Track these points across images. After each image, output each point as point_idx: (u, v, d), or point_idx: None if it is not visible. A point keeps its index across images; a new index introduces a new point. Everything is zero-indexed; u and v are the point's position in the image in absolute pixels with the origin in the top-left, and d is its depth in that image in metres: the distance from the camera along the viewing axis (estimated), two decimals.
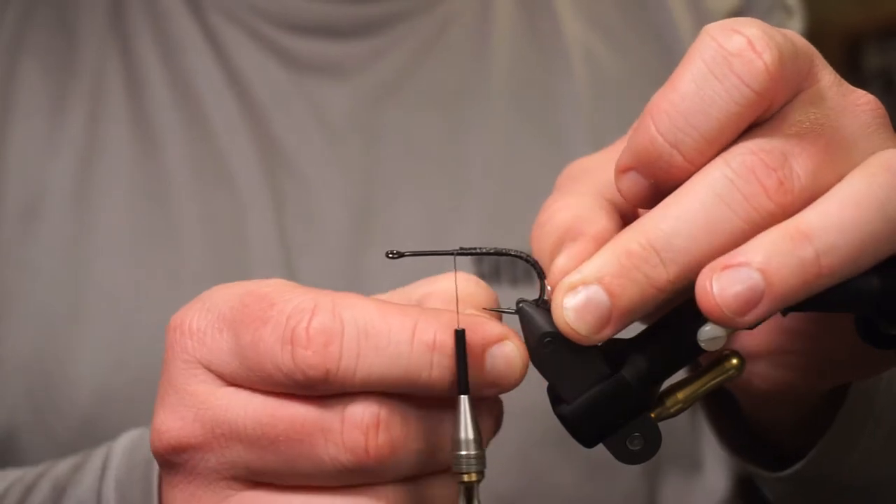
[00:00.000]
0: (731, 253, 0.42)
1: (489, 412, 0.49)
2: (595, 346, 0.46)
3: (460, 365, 0.46)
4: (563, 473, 0.83)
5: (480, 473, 0.46)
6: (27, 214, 0.83)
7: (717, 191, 0.43)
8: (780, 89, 0.44)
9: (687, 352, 0.45)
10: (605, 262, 0.44)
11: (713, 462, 0.90)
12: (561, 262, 0.47)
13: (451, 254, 0.48)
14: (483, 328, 0.47)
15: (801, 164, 0.43)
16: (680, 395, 0.46)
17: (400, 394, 0.46)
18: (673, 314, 0.46)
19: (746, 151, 0.43)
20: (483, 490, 0.47)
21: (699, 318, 0.44)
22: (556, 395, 0.46)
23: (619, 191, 0.46)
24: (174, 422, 0.48)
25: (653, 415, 0.46)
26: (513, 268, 0.85)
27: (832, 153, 0.44)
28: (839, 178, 0.44)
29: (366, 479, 0.46)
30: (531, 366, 0.47)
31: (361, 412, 0.45)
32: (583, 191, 0.51)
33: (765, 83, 0.43)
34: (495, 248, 0.48)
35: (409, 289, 0.52)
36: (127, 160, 0.84)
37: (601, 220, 0.48)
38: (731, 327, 0.43)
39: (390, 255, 0.48)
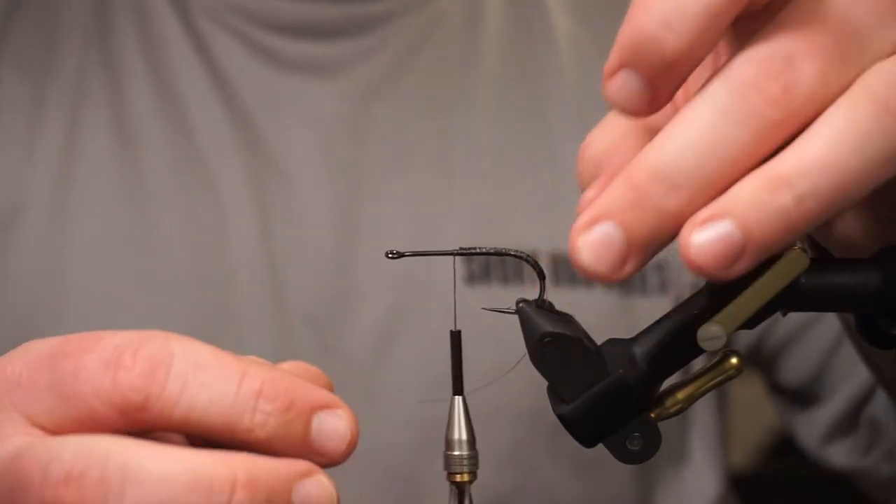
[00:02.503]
0: (710, 206, 0.40)
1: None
2: (595, 346, 0.46)
3: (454, 365, 0.47)
4: (554, 472, 0.84)
5: (472, 474, 0.46)
6: (5, 223, 0.82)
7: (719, 107, 0.41)
8: None
9: (687, 352, 0.45)
10: (614, 195, 0.42)
11: (702, 459, 0.90)
12: (587, 196, 0.45)
13: (451, 254, 0.47)
14: (312, 392, 0.44)
15: (808, 65, 0.41)
16: (680, 395, 0.46)
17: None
18: (673, 314, 0.46)
19: (746, 60, 0.41)
20: (474, 489, 0.47)
21: (699, 318, 0.44)
22: (556, 395, 0.46)
23: (610, 98, 0.43)
24: None
25: (652, 415, 0.46)
26: (503, 267, 0.85)
27: (843, 48, 0.41)
28: (854, 76, 0.41)
29: None
30: (529, 366, 0.47)
31: (56, 465, 0.41)
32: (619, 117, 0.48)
33: None
34: (495, 248, 0.48)
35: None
36: (107, 166, 0.83)
37: (633, 149, 0.45)
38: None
39: (390, 256, 0.48)
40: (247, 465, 0.42)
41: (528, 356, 0.46)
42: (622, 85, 0.42)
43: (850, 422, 0.89)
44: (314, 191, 0.85)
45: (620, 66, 0.42)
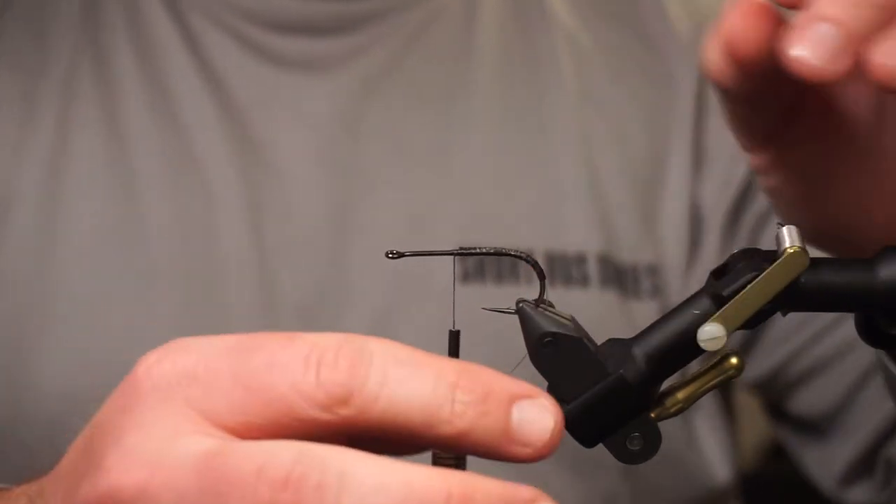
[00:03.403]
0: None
1: None
2: (595, 346, 0.46)
3: None
4: (553, 473, 0.83)
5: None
6: None
7: None
8: None
9: (687, 352, 0.45)
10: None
11: (697, 463, 0.90)
12: (733, 21, 0.49)
13: (451, 254, 0.47)
14: (510, 382, 0.43)
15: None
16: (680, 395, 0.46)
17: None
18: (673, 314, 0.46)
19: None
20: None
21: (699, 318, 0.44)
22: (556, 396, 0.46)
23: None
24: (123, 463, 0.42)
25: (652, 415, 0.46)
26: (497, 265, 0.85)
27: None
28: None
29: None
30: (527, 366, 0.47)
31: (275, 465, 0.40)
32: None
33: None
34: (495, 248, 0.48)
35: None
36: (98, 164, 0.83)
37: None
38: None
39: (390, 255, 0.47)
40: (464, 482, 0.41)
41: (527, 356, 0.46)
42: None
43: (869, 462, 0.88)
44: (307, 188, 0.84)
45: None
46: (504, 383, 0.43)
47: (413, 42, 0.88)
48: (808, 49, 0.44)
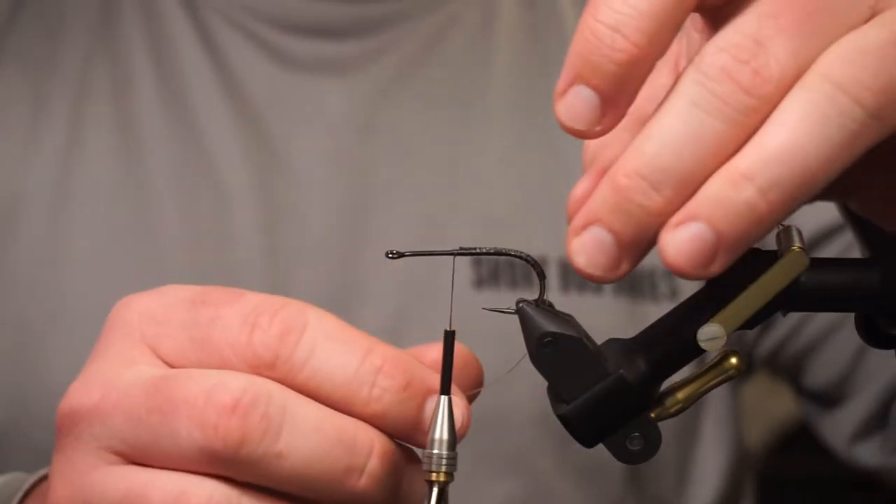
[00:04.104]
0: (681, 209, 0.40)
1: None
2: (595, 346, 0.46)
3: (445, 366, 0.47)
4: (558, 480, 0.83)
5: (450, 475, 0.47)
6: (5, 219, 0.82)
7: (693, 100, 0.40)
8: None
9: (687, 352, 0.45)
10: (600, 198, 0.41)
11: (702, 471, 0.90)
12: (574, 193, 0.45)
13: (451, 254, 0.47)
14: (430, 375, 0.47)
15: (778, 46, 0.40)
16: (680, 395, 0.46)
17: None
18: (673, 314, 0.46)
19: (715, 50, 0.40)
20: (479, 495, 0.48)
21: (699, 318, 0.44)
22: (556, 396, 0.46)
23: (561, 119, 0.42)
24: (82, 387, 0.48)
25: (653, 415, 0.46)
26: (511, 271, 0.85)
27: (815, 22, 0.40)
28: (831, 44, 0.40)
29: (228, 470, 0.45)
30: (533, 370, 0.47)
31: (223, 391, 0.44)
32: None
33: None
34: (495, 248, 0.48)
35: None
36: (109, 163, 0.84)
37: (625, 143, 0.43)
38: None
39: (390, 255, 0.48)
40: (384, 438, 0.46)
41: (528, 356, 0.46)
42: (574, 101, 0.42)
43: (878, 420, 0.88)
44: (321, 190, 0.85)
45: (571, 83, 0.42)
46: (424, 376, 0.46)
47: (429, 47, 0.88)
48: (583, 258, 0.42)
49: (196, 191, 0.84)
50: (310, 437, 0.45)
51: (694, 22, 0.49)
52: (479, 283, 0.84)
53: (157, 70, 0.86)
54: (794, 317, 0.88)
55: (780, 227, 0.45)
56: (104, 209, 0.83)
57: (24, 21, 0.86)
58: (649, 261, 0.92)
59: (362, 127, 0.86)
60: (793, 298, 0.44)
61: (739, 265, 0.45)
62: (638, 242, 0.41)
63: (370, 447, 0.46)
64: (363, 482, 0.46)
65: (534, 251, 0.85)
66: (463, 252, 0.48)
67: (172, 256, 0.82)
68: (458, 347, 0.48)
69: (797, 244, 0.44)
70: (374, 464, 0.46)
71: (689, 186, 0.40)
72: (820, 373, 0.90)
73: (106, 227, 0.83)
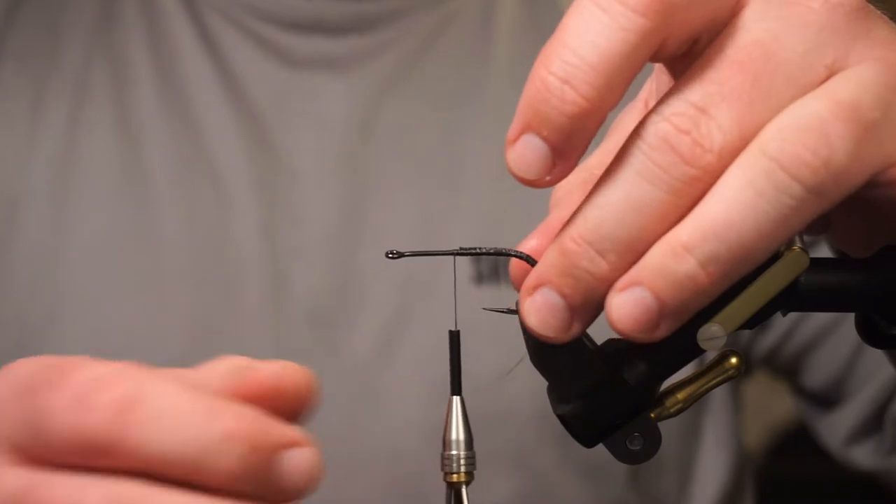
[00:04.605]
0: (626, 275, 0.41)
1: None
2: (595, 346, 0.46)
3: (453, 365, 0.47)
4: (561, 478, 0.83)
5: (470, 475, 0.47)
6: (4, 218, 0.82)
7: (635, 168, 0.40)
8: (675, 13, 0.40)
9: (687, 352, 0.45)
10: (549, 261, 0.42)
11: (704, 471, 0.90)
12: (526, 243, 0.46)
13: (451, 254, 0.47)
14: (278, 431, 0.42)
15: (722, 114, 0.40)
16: (680, 395, 0.46)
17: None
18: None
19: (658, 119, 0.40)
20: (480, 494, 0.47)
21: (699, 318, 0.44)
22: (556, 396, 0.46)
23: (511, 166, 0.43)
24: None
25: (652, 415, 0.46)
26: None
27: (763, 87, 0.40)
28: (780, 110, 0.40)
29: None
30: (534, 370, 0.47)
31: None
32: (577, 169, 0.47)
33: (651, 5, 0.40)
34: (495, 248, 0.48)
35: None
36: (109, 162, 0.84)
37: (574, 204, 0.44)
38: (649, 341, 0.42)
39: (390, 255, 0.48)
40: (248, 416, 0.41)
41: (528, 356, 0.46)
42: (524, 150, 0.42)
43: (874, 422, 0.89)
44: (321, 189, 0.84)
45: (522, 131, 0.42)
46: (272, 433, 0.42)
47: (429, 44, 0.88)
48: (535, 319, 0.42)
49: (196, 189, 0.84)
50: None
51: (661, 65, 0.48)
52: (480, 279, 0.84)
53: (156, 68, 0.86)
54: (790, 317, 0.88)
55: None
56: (104, 205, 0.83)
57: (24, 20, 0.86)
58: None
59: (361, 125, 0.86)
60: (793, 298, 0.44)
61: None
62: (587, 305, 0.42)
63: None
64: None
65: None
66: (463, 252, 0.48)
67: (172, 255, 0.82)
68: (291, 368, 0.45)
69: (797, 244, 0.44)
70: (234, 446, 0.41)
71: (632, 253, 0.41)
72: (816, 374, 0.90)
73: (105, 224, 0.83)
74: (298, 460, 0.42)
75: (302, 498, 0.43)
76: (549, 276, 0.42)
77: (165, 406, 0.41)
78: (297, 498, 0.43)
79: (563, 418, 0.46)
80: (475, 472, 0.47)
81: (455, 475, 0.46)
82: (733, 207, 0.39)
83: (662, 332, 0.41)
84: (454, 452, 0.46)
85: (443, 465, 0.46)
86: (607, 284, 0.41)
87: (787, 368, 0.92)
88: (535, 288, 0.42)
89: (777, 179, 0.39)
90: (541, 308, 0.42)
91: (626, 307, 0.41)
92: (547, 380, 0.46)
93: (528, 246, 0.46)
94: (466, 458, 0.46)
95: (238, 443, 0.41)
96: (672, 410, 0.46)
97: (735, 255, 0.40)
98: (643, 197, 0.40)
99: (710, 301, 0.42)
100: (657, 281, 0.40)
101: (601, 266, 0.41)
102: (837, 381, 0.89)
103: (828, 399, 0.91)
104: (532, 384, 0.80)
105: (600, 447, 0.47)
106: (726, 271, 0.40)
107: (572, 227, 0.41)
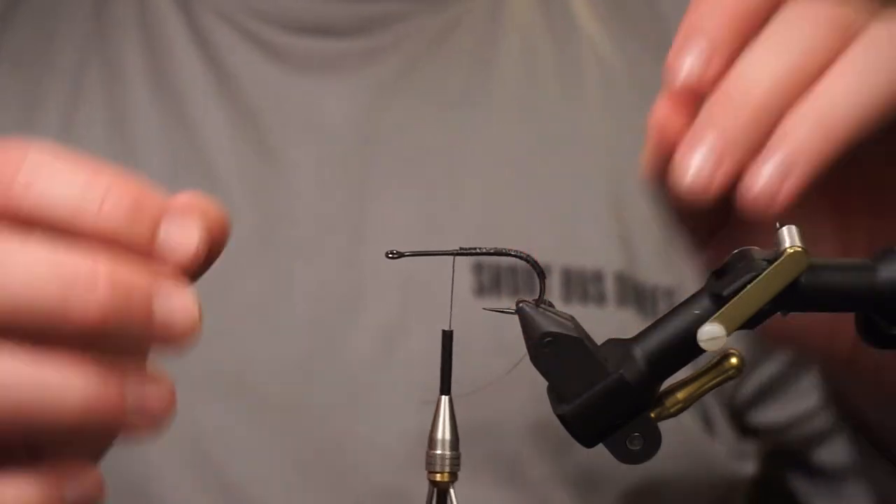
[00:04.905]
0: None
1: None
2: (595, 346, 0.46)
3: (444, 366, 0.47)
4: (555, 490, 0.83)
5: (453, 475, 0.47)
6: None
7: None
8: None
9: (687, 352, 0.45)
10: (712, 111, 0.49)
11: (704, 484, 0.89)
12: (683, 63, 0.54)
13: (451, 254, 0.48)
14: (162, 199, 0.46)
15: None
16: (680, 395, 0.46)
17: None
18: (673, 314, 0.46)
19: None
20: (475, 501, 0.48)
21: (699, 318, 0.44)
22: (556, 396, 0.46)
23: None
24: None
25: (652, 415, 0.46)
26: (513, 278, 0.84)
27: None
28: None
29: None
30: (533, 379, 0.47)
31: None
32: None
33: None
34: (495, 248, 0.48)
35: None
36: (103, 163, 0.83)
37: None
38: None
39: (390, 256, 0.48)
40: (117, 265, 0.42)
41: (527, 357, 0.46)
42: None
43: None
44: (320, 192, 0.84)
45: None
46: (156, 199, 0.45)
47: (433, 48, 0.88)
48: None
49: (191, 189, 0.84)
50: (19, 277, 0.41)
51: None
52: (481, 290, 0.83)
53: (151, 69, 0.85)
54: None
55: (779, 227, 0.46)
56: None
57: (17, 21, 0.86)
58: (652, 279, 0.92)
59: (361, 127, 0.86)
60: (793, 298, 0.45)
61: (739, 265, 0.45)
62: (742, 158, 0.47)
63: (93, 278, 0.42)
64: (95, 313, 0.42)
65: (537, 257, 0.85)
66: (463, 252, 0.48)
67: None
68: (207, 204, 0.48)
69: (797, 244, 0.44)
70: (102, 294, 0.42)
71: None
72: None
73: None
74: (182, 230, 0.45)
75: (188, 267, 0.45)
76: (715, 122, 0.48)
77: (47, 160, 0.44)
78: (184, 266, 0.45)
79: (563, 418, 0.46)
80: (473, 478, 0.47)
81: (439, 475, 0.46)
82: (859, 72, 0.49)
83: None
84: (439, 452, 0.47)
85: (427, 464, 0.47)
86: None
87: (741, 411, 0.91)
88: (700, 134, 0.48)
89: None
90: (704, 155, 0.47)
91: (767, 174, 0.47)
92: (547, 380, 0.46)
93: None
94: (452, 458, 0.47)
95: (118, 195, 0.43)
96: (672, 410, 0.46)
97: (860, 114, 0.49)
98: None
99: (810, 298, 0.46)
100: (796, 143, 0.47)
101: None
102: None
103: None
104: (527, 393, 0.80)
105: (595, 460, 0.47)
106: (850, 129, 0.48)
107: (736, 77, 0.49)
